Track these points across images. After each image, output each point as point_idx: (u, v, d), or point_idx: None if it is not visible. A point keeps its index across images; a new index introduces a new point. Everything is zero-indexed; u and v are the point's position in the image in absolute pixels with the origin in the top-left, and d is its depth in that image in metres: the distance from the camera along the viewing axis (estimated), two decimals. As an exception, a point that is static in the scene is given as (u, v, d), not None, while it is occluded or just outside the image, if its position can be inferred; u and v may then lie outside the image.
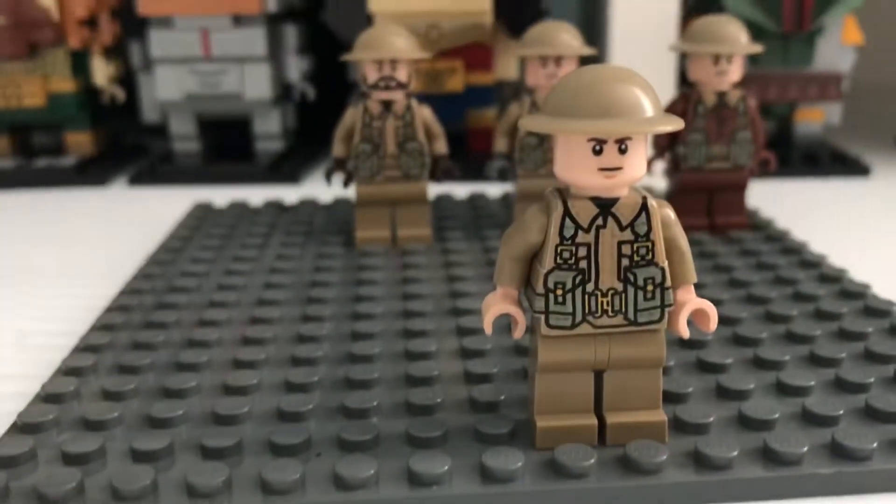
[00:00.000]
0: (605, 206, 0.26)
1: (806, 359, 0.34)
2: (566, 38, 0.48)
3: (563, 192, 0.26)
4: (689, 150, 0.49)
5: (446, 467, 0.26)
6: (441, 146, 0.49)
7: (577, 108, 0.24)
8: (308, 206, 0.58)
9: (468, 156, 0.69)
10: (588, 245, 0.26)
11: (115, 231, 0.58)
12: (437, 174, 0.49)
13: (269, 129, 0.73)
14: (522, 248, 0.27)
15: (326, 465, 0.27)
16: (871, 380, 0.31)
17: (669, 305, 0.26)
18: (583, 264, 0.26)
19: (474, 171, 0.61)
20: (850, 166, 0.70)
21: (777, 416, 0.29)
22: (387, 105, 0.47)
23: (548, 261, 0.26)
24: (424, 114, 0.48)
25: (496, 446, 0.27)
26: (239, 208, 0.57)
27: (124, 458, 0.28)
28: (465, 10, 0.65)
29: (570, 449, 0.27)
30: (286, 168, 0.71)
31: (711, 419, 0.29)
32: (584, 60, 0.47)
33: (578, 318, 0.26)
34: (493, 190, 0.60)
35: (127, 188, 0.69)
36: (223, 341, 0.37)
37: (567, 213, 0.26)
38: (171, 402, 0.31)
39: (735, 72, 0.48)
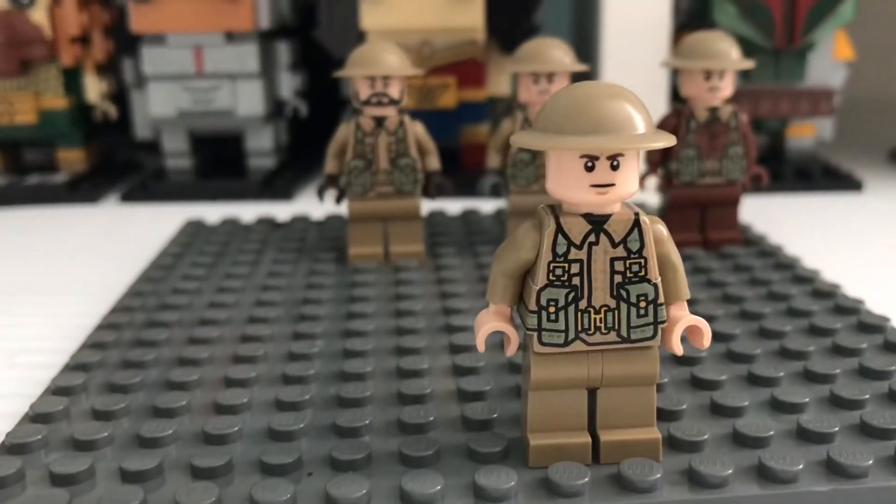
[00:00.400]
0: (598, 222, 0.26)
1: (800, 375, 0.33)
2: (558, 54, 0.48)
3: (556, 209, 0.26)
4: (681, 166, 0.49)
5: (439, 487, 0.26)
6: (433, 162, 0.49)
7: (569, 125, 0.24)
8: (300, 222, 0.57)
9: (462, 172, 0.69)
10: (581, 262, 0.26)
11: (106, 248, 0.57)
12: (430, 190, 0.49)
13: (262, 146, 0.73)
14: (515, 265, 0.27)
15: (318, 484, 0.27)
16: (866, 396, 0.31)
17: (662, 322, 0.26)
18: (575, 281, 0.26)
19: (467, 187, 0.61)
20: (842, 181, 0.70)
21: (772, 433, 0.28)
22: (379, 121, 0.47)
23: (540, 278, 0.26)
24: (417, 130, 0.48)
25: (489, 465, 0.27)
26: (231, 225, 0.57)
27: (113, 479, 0.28)
28: (457, 26, 0.65)
29: (564, 467, 0.27)
30: (279, 184, 0.71)
31: (706, 437, 0.28)
32: (577, 77, 0.47)
33: (571, 335, 0.26)
34: (487, 206, 0.60)
35: (119, 205, 0.69)
36: (214, 359, 0.36)
37: (559, 229, 0.26)
38: (162, 421, 0.31)
39: (727, 87, 0.48)
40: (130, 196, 0.70)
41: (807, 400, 0.31)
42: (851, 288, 0.44)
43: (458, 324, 0.39)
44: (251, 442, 0.30)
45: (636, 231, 0.26)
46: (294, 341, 0.38)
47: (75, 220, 0.65)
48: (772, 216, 0.60)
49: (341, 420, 0.30)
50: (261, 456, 0.28)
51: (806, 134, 0.73)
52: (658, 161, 0.50)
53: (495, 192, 0.50)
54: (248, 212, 0.62)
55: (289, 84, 0.73)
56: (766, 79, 0.68)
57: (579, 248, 0.26)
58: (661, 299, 0.26)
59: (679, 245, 0.27)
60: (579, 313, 0.26)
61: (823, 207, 0.65)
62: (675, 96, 0.68)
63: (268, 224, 0.57)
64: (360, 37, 0.66)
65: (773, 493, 0.26)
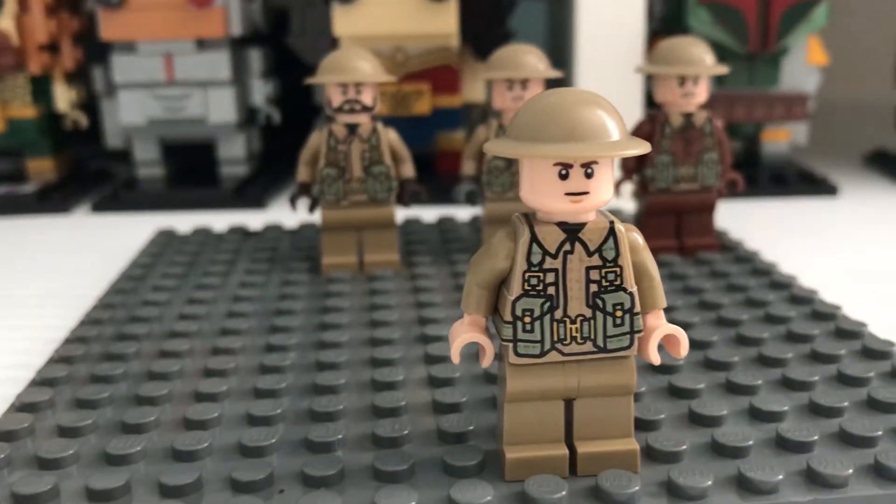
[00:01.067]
0: (573, 231, 0.25)
1: (779, 382, 0.33)
2: (532, 60, 0.47)
3: (530, 218, 0.26)
4: (656, 172, 0.49)
5: (413, 502, 0.25)
6: (408, 170, 0.48)
7: (543, 132, 0.24)
8: (273, 231, 0.57)
9: (437, 179, 0.69)
10: (556, 271, 0.25)
11: (76, 259, 0.56)
12: (405, 198, 0.48)
13: (234, 154, 0.72)
14: (490, 275, 0.26)
15: (289, 501, 0.26)
16: (845, 403, 0.31)
17: (639, 331, 0.26)
18: (551, 290, 0.25)
19: (443, 195, 0.60)
20: (817, 186, 0.70)
21: (751, 442, 0.28)
22: (352, 128, 0.46)
23: (515, 287, 0.25)
24: (390, 137, 0.47)
25: (464, 479, 0.27)
26: (203, 234, 0.56)
27: (79, 498, 0.27)
28: (431, 32, 0.65)
29: (541, 481, 0.26)
30: (251, 193, 0.70)
31: (684, 447, 0.28)
32: (551, 83, 0.47)
33: (547, 345, 0.26)
34: (462, 213, 0.60)
35: (90, 215, 0.68)
36: (184, 373, 0.36)
37: (534, 238, 0.25)
38: (130, 437, 0.30)
39: (701, 93, 0.48)
40: (101, 206, 0.69)
41: (786, 408, 0.30)
42: (828, 292, 0.44)
43: (434, 333, 0.38)
44: (221, 458, 0.29)
45: (611, 239, 0.25)
46: (266, 353, 0.37)
47: (45, 231, 0.64)
48: (747, 221, 0.60)
49: (314, 435, 0.30)
50: (231, 472, 0.27)
51: (781, 139, 0.73)
52: (633, 167, 0.50)
53: (470, 199, 0.50)
54: (220, 220, 0.61)
55: (261, 91, 0.72)
56: (740, 84, 0.68)
57: (554, 257, 0.25)
58: (638, 308, 0.26)
59: (655, 251, 0.27)
60: (555, 323, 0.26)
61: (799, 212, 0.65)
62: (650, 102, 0.68)
63: (240, 233, 0.56)
64: (332, 43, 0.65)
65: (752, 504, 0.26)
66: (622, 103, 0.67)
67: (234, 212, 0.67)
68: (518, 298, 0.25)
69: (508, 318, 0.25)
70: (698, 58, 0.47)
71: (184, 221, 0.62)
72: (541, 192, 0.25)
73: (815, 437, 0.28)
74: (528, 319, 0.25)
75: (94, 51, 0.71)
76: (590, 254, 0.25)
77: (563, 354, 0.26)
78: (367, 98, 0.46)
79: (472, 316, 0.27)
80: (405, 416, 0.31)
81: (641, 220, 0.50)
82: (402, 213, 0.56)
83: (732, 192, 0.50)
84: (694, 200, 0.50)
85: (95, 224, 0.66)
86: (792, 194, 0.69)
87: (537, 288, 0.25)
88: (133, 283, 0.47)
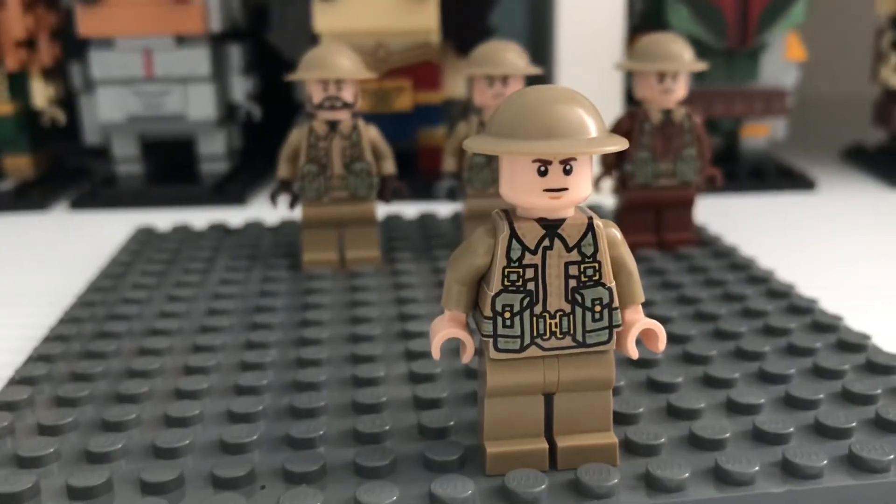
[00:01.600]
0: (552, 227, 0.25)
1: (756, 376, 0.34)
2: (512, 57, 0.48)
3: (510, 214, 0.26)
4: (636, 168, 0.49)
5: (394, 497, 0.26)
6: (389, 166, 0.48)
7: (521, 129, 0.24)
8: (254, 228, 0.57)
9: (419, 175, 0.69)
10: (535, 266, 0.26)
11: (55, 257, 0.56)
12: (386, 194, 0.48)
13: (214, 151, 0.72)
14: (469, 272, 0.26)
15: (271, 498, 0.26)
16: (821, 396, 0.31)
17: (618, 326, 0.26)
18: (530, 286, 0.26)
19: (425, 191, 0.60)
20: (795, 180, 0.71)
21: (728, 435, 0.28)
22: (333, 125, 0.46)
23: (495, 283, 0.26)
24: (371, 134, 0.47)
25: (446, 474, 0.27)
26: (183, 232, 0.56)
27: (59, 497, 0.27)
28: (411, 28, 0.65)
29: (521, 475, 0.26)
30: (231, 189, 0.70)
31: (662, 440, 0.28)
32: (531, 80, 0.47)
33: (527, 340, 0.26)
34: (444, 209, 0.60)
35: (69, 212, 0.68)
36: (164, 371, 0.36)
37: (513, 234, 0.25)
38: (110, 435, 0.30)
39: (680, 89, 0.48)
40: (80, 203, 0.68)
41: (762, 401, 0.31)
42: (805, 287, 0.44)
43: (415, 329, 0.38)
44: (202, 455, 0.29)
45: (590, 235, 0.26)
46: (247, 350, 0.37)
47: (23, 229, 0.63)
48: (727, 216, 0.60)
49: (295, 431, 0.30)
50: (212, 469, 0.27)
51: (759, 134, 0.74)
52: (613, 163, 0.50)
53: (451, 195, 0.50)
54: (200, 217, 0.61)
55: (241, 87, 0.72)
56: (719, 80, 0.68)
57: (533, 252, 0.25)
58: (616, 303, 0.26)
59: (634, 247, 0.27)
60: (534, 318, 0.26)
61: (777, 207, 0.65)
62: (630, 99, 0.69)
63: (220, 230, 0.56)
64: (312, 39, 0.65)
65: (729, 495, 0.26)
66: (602, 99, 0.67)
67: (215, 208, 0.67)
68: (498, 294, 0.26)
69: (488, 313, 0.26)
70: (677, 54, 0.47)
71: (163, 218, 0.61)
72: (520, 188, 0.25)
73: (791, 430, 0.29)
74: (507, 315, 0.26)
75: (71, 47, 0.71)
76: (569, 249, 0.26)
77: (543, 349, 0.26)
78: (347, 95, 0.46)
79: (452, 312, 0.27)
80: (386, 412, 0.32)
81: (621, 216, 0.51)
82: (383, 210, 0.57)
83: (711, 187, 0.51)
84: (673, 196, 0.50)
85: (74, 221, 0.65)
86: (771, 189, 0.70)
87: (517, 283, 0.26)
88: (112, 281, 0.47)
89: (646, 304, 0.40)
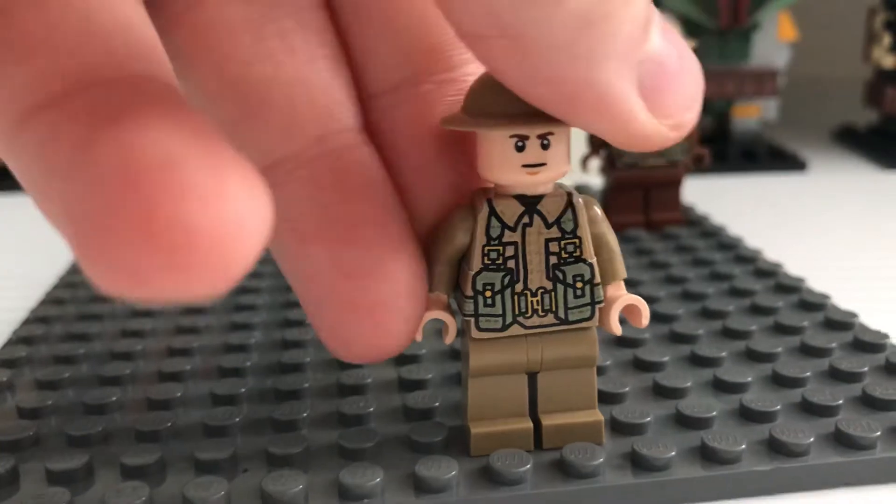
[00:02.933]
0: (531, 203, 0.25)
1: (743, 354, 0.33)
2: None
3: (488, 192, 0.26)
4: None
5: (378, 479, 0.25)
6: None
7: (498, 105, 0.24)
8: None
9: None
10: (515, 244, 0.25)
11: (36, 237, 0.55)
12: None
13: None
14: (450, 252, 0.26)
15: (253, 481, 0.26)
16: (808, 374, 0.31)
17: (599, 302, 0.26)
18: (511, 264, 0.25)
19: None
20: (786, 161, 0.71)
21: (715, 413, 0.28)
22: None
23: (475, 262, 0.25)
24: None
25: (430, 455, 0.27)
26: (168, 214, 0.55)
27: (39, 480, 0.27)
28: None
29: (505, 455, 0.26)
30: None
31: (648, 419, 0.28)
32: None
33: (509, 319, 0.26)
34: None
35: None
36: (147, 353, 0.35)
37: (492, 212, 0.25)
38: (91, 418, 0.30)
39: (668, 68, 0.47)
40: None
41: (749, 379, 0.31)
42: (793, 266, 0.44)
43: (401, 310, 0.38)
44: (185, 438, 0.29)
45: (570, 211, 0.25)
46: (231, 332, 0.37)
47: (4, 210, 0.62)
48: (717, 197, 0.60)
49: (278, 413, 0.29)
50: (194, 452, 0.27)
51: (751, 114, 0.73)
52: (600, 143, 0.50)
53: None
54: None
55: None
56: (710, 59, 0.68)
57: (513, 230, 0.25)
58: (598, 279, 0.26)
59: (622, 226, 0.27)
60: (516, 297, 0.25)
61: (768, 187, 0.65)
62: None
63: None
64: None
65: (715, 474, 0.26)
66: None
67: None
68: (478, 273, 0.25)
69: (469, 292, 0.25)
70: (665, 32, 0.47)
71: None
72: (498, 165, 0.25)
73: (778, 407, 0.28)
74: (488, 294, 0.25)
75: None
76: (548, 226, 0.25)
77: (525, 328, 0.26)
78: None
79: (433, 294, 0.26)
80: (371, 393, 0.31)
81: (608, 195, 0.50)
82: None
83: (699, 167, 0.50)
84: (660, 176, 0.50)
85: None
86: (761, 170, 0.69)
87: (497, 262, 0.25)
88: (96, 264, 0.46)
89: (632, 284, 0.40)
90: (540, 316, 0.26)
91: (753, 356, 0.33)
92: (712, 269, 0.42)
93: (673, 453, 0.26)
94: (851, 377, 0.31)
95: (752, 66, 0.70)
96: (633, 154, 0.49)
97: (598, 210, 0.26)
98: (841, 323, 0.35)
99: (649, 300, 0.39)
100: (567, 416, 0.27)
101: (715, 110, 0.72)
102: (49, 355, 0.35)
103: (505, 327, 0.26)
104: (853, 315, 0.36)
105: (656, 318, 0.37)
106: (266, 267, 0.45)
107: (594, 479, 0.26)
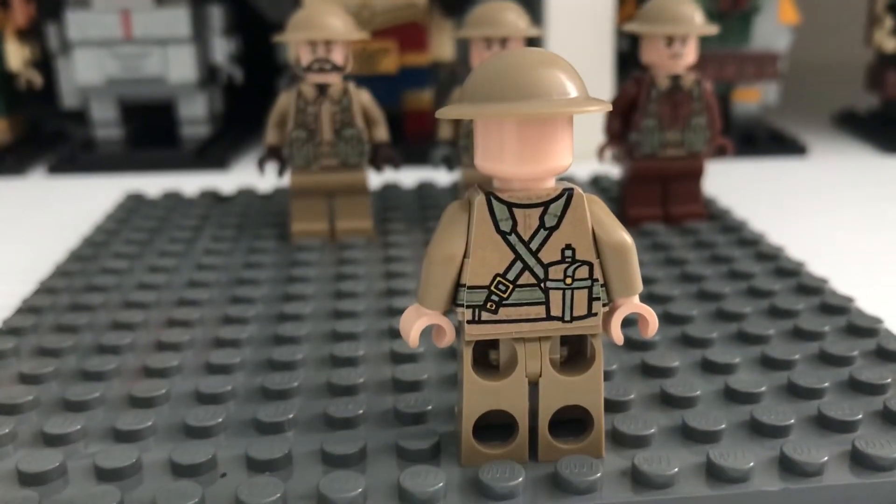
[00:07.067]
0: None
1: (758, 361, 0.31)
2: (512, 17, 0.45)
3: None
4: (642, 137, 0.46)
5: (359, 490, 0.24)
6: (381, 133, 0.46)
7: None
8: (244, 195, 0.55)
9: (406, 139, 0.67)
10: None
11: (34, 225, 0.54)
12: (378, 162, 0.46)
13: (195, 114, 0.70)
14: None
15: (229, 487, 0.25)
16: (826, 385, 0.29)
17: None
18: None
19: (412, 156, 0.58)
20: (787, 145, 0.70)
21: (723, 426, 0.26)
22: (322, 89, 0.44)
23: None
24: (363, 98, 0.45)
25: (417, 464, 0.25)
26: (172, 199, 0.54)
27: (10, 481, 0.25)
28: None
29: (497, 467, 0.24)
30: (213, 153, 0.68)
31: (652, 430, 0.26)
32: (529, 42, 0.45)
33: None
34: (442, 178, 0.58)
35: (46, 178, 0.66)
36: (135, 346, 0.34)
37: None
38: (69, 416, 0.28)
39: (689, 54, 0.45)
40: (58, 168, 0.67)
41: (763, 389, 0.29)
42: (794, 250, 0.44)
43: (401, 306, 0.36)
44: (164, 439, 0.27)
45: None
46: (223, 326, 0.35)
47: None
48: (717, 181, 0.58)
49: (263, 414, 0.28)
50: (171, 454, 0.26)
51: (751, 98, 0.72)
52: (617, 132, 0.48)
53: (447, 163, 0.48)
54: (181, 182, 0.59)
55: (222, 49, 0.70)
56: (711, 43, 0.66)
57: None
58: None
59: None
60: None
61: (768, 172, 0.64)
62: (623, 61, 0.66)
63: (211, 197, 0.54)
64: (295, -1, 0.63)
65: (720, 493, 0.24)
66: (593, 61, 0.65)
67: (196, 173, 0.65)
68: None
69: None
70: (687, 16, 0.45)
71: (144, 183, 0.60)
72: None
73: (791, 422, 0.26)
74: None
75: (47, 7, 0.68)
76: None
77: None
78: (337, 57, 0.44)
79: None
80: (362, 394, 0.30)
81: (626, 188, 0.48)
82: (380, 179, 0.55)
83: (720, 156, 0.48)
84: (680, 167, 0.48)
85: (52, 187, 0.64)
86: (762, 154, 0.68)
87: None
88: (94, 250, 0.45)
89: (647, 282, 0.38)
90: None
91: (769, 363, 0.31)
92: (731, 268, 0.40)
93: (676, 470, 0.24)
94: (873, 389, 0.29)
95: (753, 50, 0.69)
96: (652, 144, 0.47)
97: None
98: (865, 329, 0.33)
99: (662, 299, 0.37)
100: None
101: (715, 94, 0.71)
102: (35, 347, 0.34)
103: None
104: (878, 321, 0.34)
105: (668, 319, 0.35)
106: (268, 257, 0.43)
107: (590, 495, 0.24)
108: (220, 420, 0.28)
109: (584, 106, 0.22)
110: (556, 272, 0.24)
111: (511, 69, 0.22)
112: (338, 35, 0.43)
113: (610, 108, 0.22)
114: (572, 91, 0.22)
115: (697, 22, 0.45)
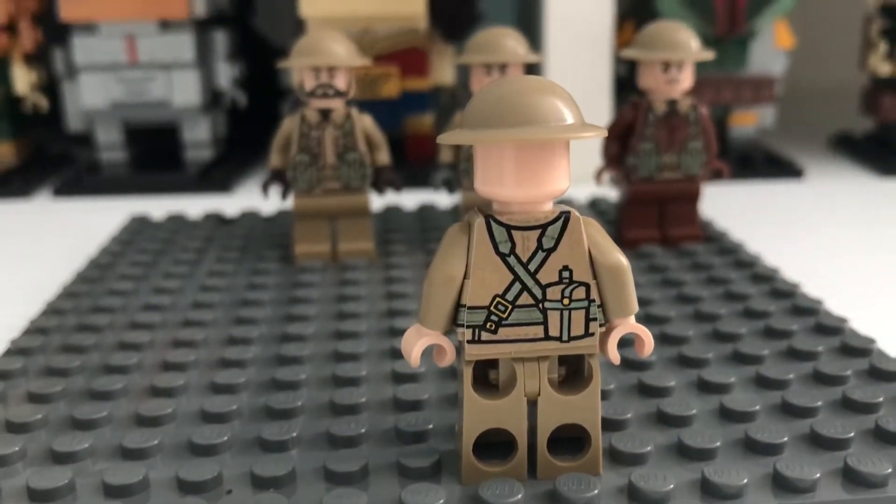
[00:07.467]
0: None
1: (752, 380, 0.32)
2: (511, 44, 0.46)
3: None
4: (639, 160, 0.47)
5: (362, 506, 0.24)
6: (383, 157, 0.47)
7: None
8: (248, 218, 0.55)
9: (407, 163, 0.67)
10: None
11: (40, 246, 0.55)
12: (380, 185, 0.47)
13: (199, 137, 0.71)
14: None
15: (236, 502, 0.25)
16: (819, 404, 0.29)
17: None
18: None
19: (414, 179, 0.59)
20: (783, 168, 0.70)
21: (718, 444, 0.27)
22: (325, 114, 0.45)
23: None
24: (365, 123, 0.46)
25: (418, 482, 0.26)
26: (176, 221, 0.55)
27: (20, 498, 0.26)
28: (398, 14, 0.63)
29: (497, 484, 0.25)
30: (216, 176, 0.69)
31: (649, 448, 0.27)
32: (528, 68, 0.46)
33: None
34: (443, 201, 0.58)
35: (52, 200, 0.67)
36: (141, 366, 0.35)
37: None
38: (78, 434, 0.29)
39: (686, 79, 0.46)
40: (64, 190, 0.68)
41: (757, 408, 0.29)
42: (790, 272, 0.44)
43: (403, 327, 0.37)
44: (170, 457, 0.28)
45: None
46: (227, 347, 0.36)
47: (5, 217, 0.62)
48: (714, 204, 0.59)
49: (267, 433, 0.28)
50: (178, 472, 0.26)
51: (748, 122, 0.73)
52: (615, 155, 0.48)
53: (448, 186, 0.49)
54: (185, 205, 0.60)
55: (226, 74, 0.71)
56: (707, 67, 0.67)
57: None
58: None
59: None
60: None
61: (765, 195, 0.64)
62: (621, 85, 0.67)
63: (214, 220, 0.55)
64: (299, 25, 0.64)
65: (717, 510, 0.25)
66: (591, 86, 0.66)
67: (200, 196, 0.66)
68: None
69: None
70: (683, 42, 0.46)
71: (148, 206, 0.61)
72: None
73: (785, 440, 0.27)
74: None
75: (53, 32, 0.69)
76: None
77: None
78: (340, 83, 0.44)
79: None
80: (365, 413, 0.30)
81: (623, 210, 0.49)
82: (382, 201, 0.55)
83: (717, 179, 0.49)
84: (677, 190, 0.48)
85: (58, 209, 0.64)
86: (759, 177, 0.69)
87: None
88: (99, 272, 0.46)
89: (643, 303, 0.39)
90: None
91: (764, 383, 0.32)
92: (727, 289, 0.41)
93: (672, 486, 0.25)
94: (865, 408, 0.29)
95: (750, 74, 0.69)
96: (649, 167, 0.47)
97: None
98: (858, 349, 0.34)
99: (659, 320, 0.37)
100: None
101: (712, 118, 0.72)
102: (43, 367, 0.34)
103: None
104: (871, 341, 0.35)
105: (665, 340, 0.35)
106: (271, 279, 0.44)
107: (588, 512, 0.24)
108: (226, 438, 0.28)
109: (580, 132, 0.23)
110: (553, 293, 0.25)
111: (509, 96, 0.23)
112: (341, 61, 0.44)
113: (605, 133, 0.23)
114: (569, 117, 0.23)
115: (693, 48, 0.46)
